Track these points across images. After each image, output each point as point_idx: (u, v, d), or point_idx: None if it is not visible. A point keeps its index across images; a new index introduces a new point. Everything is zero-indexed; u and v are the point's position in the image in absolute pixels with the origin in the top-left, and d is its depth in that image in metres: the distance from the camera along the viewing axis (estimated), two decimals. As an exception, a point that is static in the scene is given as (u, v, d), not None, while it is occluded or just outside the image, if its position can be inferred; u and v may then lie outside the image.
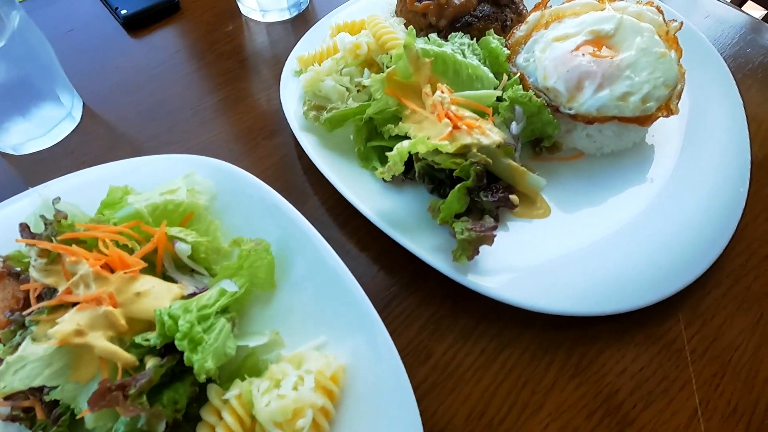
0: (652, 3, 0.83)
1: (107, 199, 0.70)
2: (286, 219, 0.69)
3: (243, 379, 0.57)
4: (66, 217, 0.63)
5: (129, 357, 0.55)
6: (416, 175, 0.74)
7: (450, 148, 0.68)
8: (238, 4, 1.14)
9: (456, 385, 0.65)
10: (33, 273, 0.60)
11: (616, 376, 0.65)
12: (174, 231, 0.65)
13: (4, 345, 0.57)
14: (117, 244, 0.63)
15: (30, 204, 0.67)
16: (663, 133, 0.84)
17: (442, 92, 0.73)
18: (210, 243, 0.68)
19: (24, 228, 0.62)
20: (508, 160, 0.73)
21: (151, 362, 0.55)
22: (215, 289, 0.61)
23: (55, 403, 0.56)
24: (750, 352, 0.66)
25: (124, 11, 1.09)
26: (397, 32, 0.86)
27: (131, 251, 0.64)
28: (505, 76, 0.80)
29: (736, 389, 0.64)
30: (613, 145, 0.80)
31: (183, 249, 0.64)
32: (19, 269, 0.64)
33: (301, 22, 1.13)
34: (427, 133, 0.71)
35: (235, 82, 1.02)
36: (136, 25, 1.11)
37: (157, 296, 0.60)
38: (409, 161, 0.75)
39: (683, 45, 0.81)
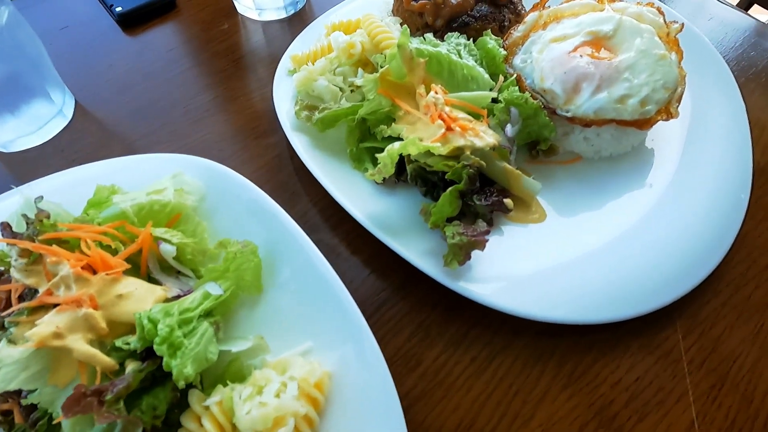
0: (653, 4, 0.81)
1: (94, 199, 0.69)
2: (274, 221, 0.68)
3: (226, 384, 0.56)
4: (48, 217, 0.61)
5: (108, 361, 0.54)
6: (408, 177, 0.72)
7: (443, 150, 0.66)
8: (234, 2, 1.12)
9: (445, 393, 0.63)
10: (14, 273, 0.59)
11: (610, 386, 0.63)
12: (159, 232, 0.64)
13: (-17, 347, 0.56)
14: (101, 244, 0.62)
15: (14, 203, 0.66)
16: (663, 137, 0.83)
17: (436, 93, 0.71)
18: (196, 244, 0.66)
19: (5, 227, 0.61)
20: (502, 163, 0.72)
21: (130, 366, 0.53)
22: (199, 291, 0.60)
23: (34, 407, 0.54)
24: (749, 363, 0.65)
25: (119, 9, 1.08)
26: (393, 32, 0.84)
27: (115, 252, 0.62)
28: (501, 78, 0.78)
29: (734, 402, 0.62)
30: (611, 148, 0.78)
31: (168, 250, 0.63)
32: (2, 269, 0.63)
33: (298, 21, 1.12)
34: (421, 135, 0.70)
35: (229, 81, 1.01)
36: (132, 22, 1.10)
37: (140, 298, 0.58)
38: (403, 163, 0.73)
39: (685, 47, 0.79)
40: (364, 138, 0.79)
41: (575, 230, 0.73)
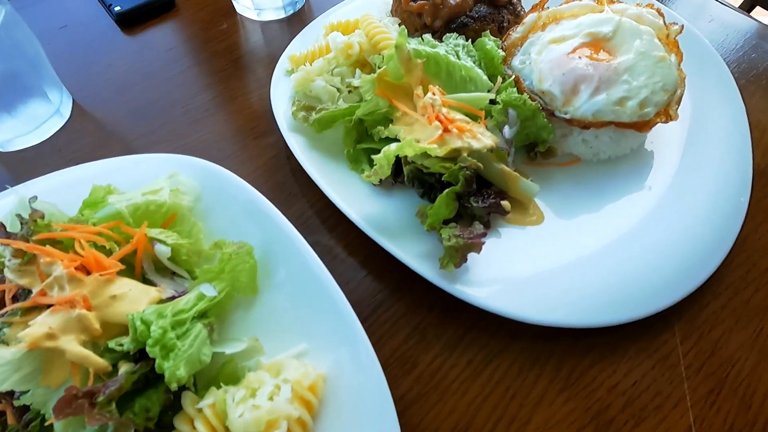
0: (653, 5, 0.80)
1: (89, 199, 0.69)
2: (270, 222, 0.67)
3: (219, 386, 0.55)
4: (43, 217, 0.61)
5: (101, 362, 0.54)
6: (405, 179, 0.72)
7: (439, 151, 0.66)
8: (233, 2, 1.12)
9: (441, 396, 0.62)
10: (8, 273, 0.58)
11: (607, 391, 0.63)
12: (154, 232, 0.64)
13: (-25, 347, 0.55)
14: (95, 245, 0.61)
15: (9, 203, 0.66)
16: (662, 139, 0.82)
17: (434, 94, 0.71)
18: (192, 245, 0.66)
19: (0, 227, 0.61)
20: (500, 164, 0.71)
21: (123, 368, 0.53)
22: (194, 293, 0.60)
23: (26, 408, 0.54)
24: (748, 368, 0.64)
25: (117, 8, 1.08)
26: (391, 32, 0.84)
27: (110, 253, 0.62)
28: (499, 79, 0.78)
29: (732, 407, 0.61)
30: (609, 150, 0.78)
31: (163, 251, 0.63)
32: (-3, 269, 0.63)
33: (297, 21, 1.11)
34: (418, 136, 0.70)
35: (228, 81, 1.01)
36: (130, 22, 1.10)
37: (134, 299, 0.58)
38: (400, 164, 0.73)
39: (685, 49, 0.79)
40: (361, 139, 0.79)
41: (573, 233, 0.72)
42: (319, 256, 0.73)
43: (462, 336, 0.67)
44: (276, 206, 0.73)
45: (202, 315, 0.59)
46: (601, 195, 0.76)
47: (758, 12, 1.74)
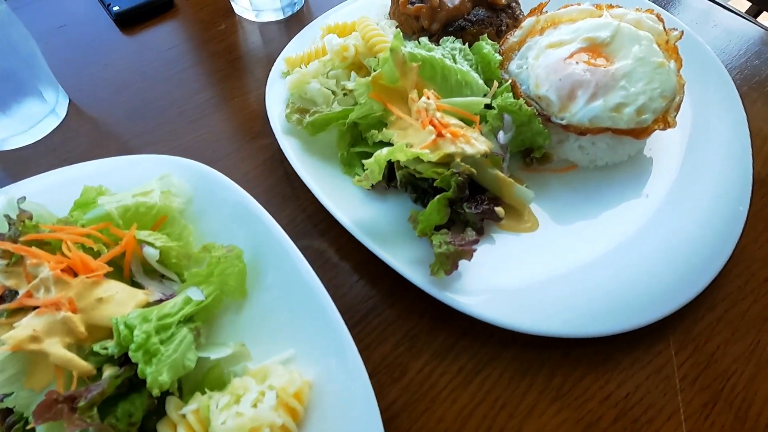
0: (653, 11, 0.79)
1: (80, 199, 0.68)
2: (260, 226, 0.67)
3: (204, 392, 0.55)
4: (31, 218, 0.61)
5: (85, 365, 0.53)
6: (398, 183, 0.71)
7: (432, 156, 0.65)
8: (232, 3, 1.12)
9: (430, 405, 0.62)
10: (-5, 274, 0.58)
11: (599, 402, 0.61)
12: (143, 235, 0.63)
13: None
14: (83, 247, 0.61)
15: (-1, 202, 0.65)
16: (661, 146, 0.81)
17: (428, 98, 0.70)
18: (181, 248, 0.66)
19: (-12, 227, 0.60)
20: (494, 170, 0.70)
21: (107, 372, 0.52)
22: (181, 296, 0.59)
23: (10, 410, 0.54)
24: (744, 381, 0.63)
25: (116, 8, 1.08)
26: (388, 35, 0.83)
27: (98, 254, 0.62)
28: (495, 83, 0.77)
29: (727, 421, 0.60)
30: (606, 157, 0.77)
31: (151, 254, 0.62)
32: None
33: (296, 23, 1.11)
34: (411, 141, 0.69)
35: (225, 82, 1.01)
36: (129, 22, 1.10)
37: (120, 302, 0.58)
38: (394, 168, 0.72)
39: (685, 55, 0.78)
40: (355, 142, 0.78)
41: (568, 240, 0.71)
42: (310, 260, 0.73)
43: (453, 344, 0.66)
44: (269, 209, 0.73)
45: (188, 319, 0.58)
46: (598, 202, 0.75)
47: (766, 17, 1.72)
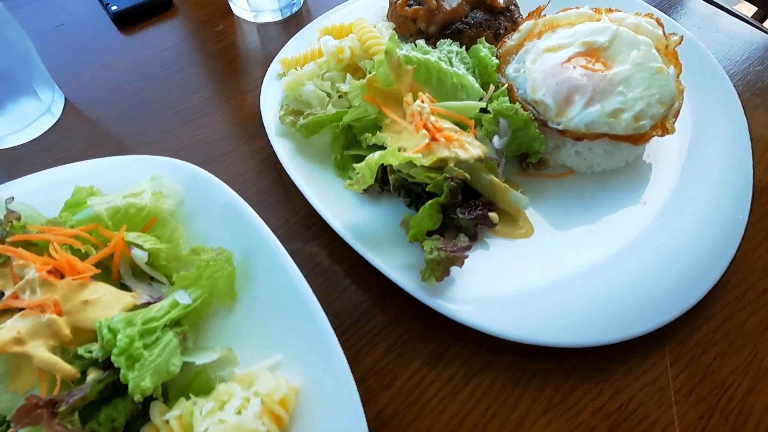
0: (652, 15, 0.78)
1: (71, 200, 0.68)
2: (250, 229, 0.66)
3: (189, 397, 0.54)
4: (19, 218, 0.60)
5: (69, 369, 0.53)
6: (391, 188, 0.70)
7: (425, 161, 0.64)
8: (230, 4, 1.12)
9: (419, 414, 0.61)
10: (-19, 275, 0.58)
11: (591, 413, 0.60)
12: (132, 236, 0.63)
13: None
14: (72, 248, 0.60)
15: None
16: (659, 152, 0.80)
17: (422, 101, 0.69)
18: (170, 250, 0.65)
19: (-25, 228, 0.60)
20: (489, 175, 0.69)
21: (91, 376, 0.52)
22: (167, 300, 0.58)
23: (-7, 413, 0.53)
24: (740, 394, 0.61)
25: (114, 7, 1.07)
26: (384, 37, 0.82)
27: (86, 256, 0.61)
28: (491, 87, 0.76)
29: (722, 435, 0.59)
30: (604, 163, 0.75)
31: (139, 256, 0.62)
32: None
33: (294, 24, 1.10)
34: (405, 144, 0.68)
35: (222, 82, 1.00)
36: (127, 21, 1.10)
37: (107, 305, 0.57)
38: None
39: (686, 60, 0.77)
40: (350, 145, 0.77)
41: (563, 247, 0.70)
42: (302, 263, 0.72)
43: (444, 351, 0.65)
44: (262, 211, 0.72)
45: (175, 323, 0.58)
46: (594, 209, 0.74)
47: (769, 23, 1.70)
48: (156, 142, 0.91)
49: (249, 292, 0.64)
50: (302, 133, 0.77)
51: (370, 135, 0.72)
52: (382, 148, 0.70)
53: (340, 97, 0.81)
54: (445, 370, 0.63)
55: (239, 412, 0.51)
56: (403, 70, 0.72)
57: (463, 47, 0.82)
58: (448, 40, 0.82)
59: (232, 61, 1.05)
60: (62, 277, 0.58)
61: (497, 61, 0.79)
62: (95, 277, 0.60)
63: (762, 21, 1.71)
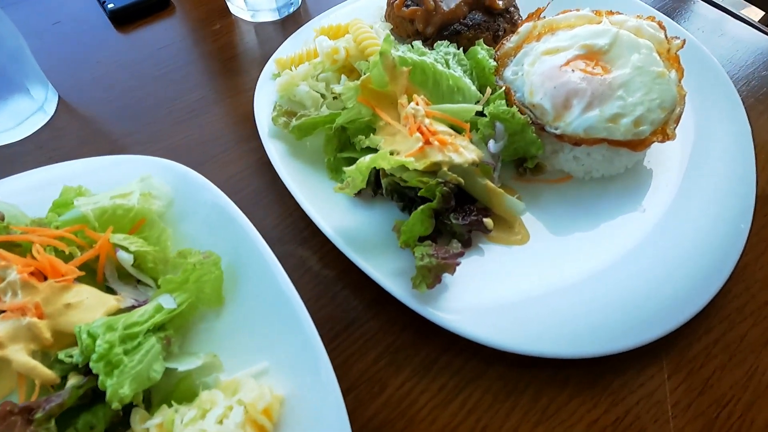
0: (654, 18, 0.76)
1: (59, 200, 0.67)
2: (239, 232, 0.65)
3: (171, 404, 0.53)
4: (2, 218, 0.59)
5: (48, 374, 0.51)
6: (384, 191, 0.69)
7: (418, 165, 0.63)
8: (227, 3, 1.11)
9: (408, 424, 0.59)
10: (-37, 276, 0.57)
11: (586, 426, 0.59)
12: (118, 238, 0.61)
13: None
14: (56, 250, 0.59)
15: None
16: (660, 159, 0.78)
17: (417, 104, 0.68)
18: (157, 252, 0.64)
19: (-42, 228, 0.59)
20: (484, 180, 0.68)
21: (70, 382, 0.51)
22: (152, 304, 0.57)
23: (-28, 417, 0.52)
24: (740, 410, 0.59)
25: (111, 5, 1.07)
26: (380, 38, 0.81)
27: (70, 258, 0.60)
28: (488, 90, 0.74)
29: (721, 451, 0.57)
30: (602, 169, 0.74)
31: (125, 258, 0.61)
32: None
33: (292, 24, 1.09)
34: (399, 147, 0.67)
35: (217, 82, 0.99)
36: (124, 19, 1.09)
37: (89, 308, 0.56)
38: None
39: (688, 65, 0.75)
40: (343, 148, 0.76)
41: (560, 255, 0.68)
42: (293, 267, 0.71)
43: (435, 359, 0.63)
44: (254, 213, 0.71)
45: (159, 327, 0.57)
46: (592, 215, 0.72)
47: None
48: (149, 141, 0.90)
49: (237, 296, 0.62)
50: (295, 134, 0.75)
51: (364, 137, 0.71)
52: (376, 150, 0.69)
53: (334, 98, 0.80)
54: (436, 380, 0.62)
55: (221, 422, 0.49)
56: (398, 71, 0.70)
57: (461, 49, 0.80)
58: (446, 42, 0.80)
59: (228, 60, 1.03)
60: (45, 279, 0.56)
61: (495, 63, 0.78)
62: (80, 280, 0.59)
63: (769, 25, 1.69)
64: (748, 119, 0.79)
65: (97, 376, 0.50)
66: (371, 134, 0.71)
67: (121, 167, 0.74)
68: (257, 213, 0.78)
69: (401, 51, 0.74)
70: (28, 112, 0.87)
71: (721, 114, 0.80)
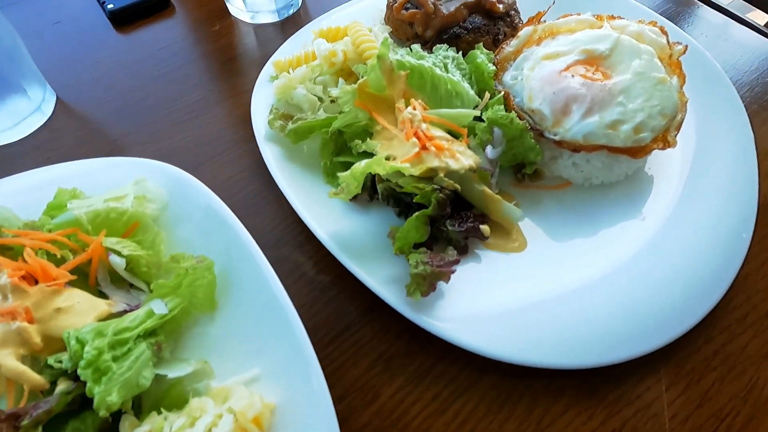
0: (656, 23, 0.75)
1: (54, 202, 0.67)
2: (232, 237, 0.64)
3: (160, 412, 0.52)
4: (-6, 221, 0.59)
5: (37, 379, 0.51)
6: (380, 197, 0.68)
7: (414, 170, 0.62)
8: (227, 4, 1.10)
9: (400, 434, 0.58)
10: (-46, 279, 0.56)
11: (581, 438, 0.58)
12: (110, 242, 0.61)
13: None
14: (48, 253, 0.59)
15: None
16: (661, 166, 0.77)
17: (414, 109, 0.67)
18: (150, 257, 0.63)
19: (-50, 230, 0.59)
20: (481, 186, 0.67)
21: (59, 388, 0.50)
22: (143, 309, 0.57)
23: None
24: (739, 423, 0.58)
25: (110, 5, 1.06)
26: (379, 41, 0.80)
27: (62, 261, 0.59)
28: (486, 95, 0.73)
29: (719, 466, 0.56)
30: (602, 176, 0.73)
31: (117, 262, 0.60)
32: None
33: (292, 25, 1.09)
34: (395, 152, 0.66)
35: (215, 83, 0.99)
36: (123, 20, 1.09)
37: (80, 313, 0.55)
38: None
39: (690, 71, 0.74)
40: (340, 152, 0.75)
41: (558, 263, 0.67)
42: (287, 272, 0.71)
43: (429, 368, 0.63)
44: (249, 216, 0.70)
45: (150, 333, 0.56)
46: (591, 223, 0.71)
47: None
48: (147, 142, 0.90)
49: (229, 301, 0.62)
50: (291, 138, 0.75)
51: (361, 142, 0.70)
52: (373, 155, 0.68)
53: (332, 101, 0.79)
54: (430, 389, 0.61)
55: (210, 430, 0.49)
56: (395, 75, 0.70)
57: (460, 52, 0.80)
58: (445, 45, 0.79)
59: (227, 62, 1.03)
60: (36, 283, 0.56)
61: (494, 67, 0.77)
62: (72, 284, 0.58)
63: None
64: (751, 126, 0.78)
65: (86, 383, 0.50)
66: (368, 138, 0.71)
67: (117, 169, 0.73)
68: (252, 216, 0.77)
69: (399, 54, 0.73)
70: (26, 113, 0.87)
71: (723, 121, 0.79)
